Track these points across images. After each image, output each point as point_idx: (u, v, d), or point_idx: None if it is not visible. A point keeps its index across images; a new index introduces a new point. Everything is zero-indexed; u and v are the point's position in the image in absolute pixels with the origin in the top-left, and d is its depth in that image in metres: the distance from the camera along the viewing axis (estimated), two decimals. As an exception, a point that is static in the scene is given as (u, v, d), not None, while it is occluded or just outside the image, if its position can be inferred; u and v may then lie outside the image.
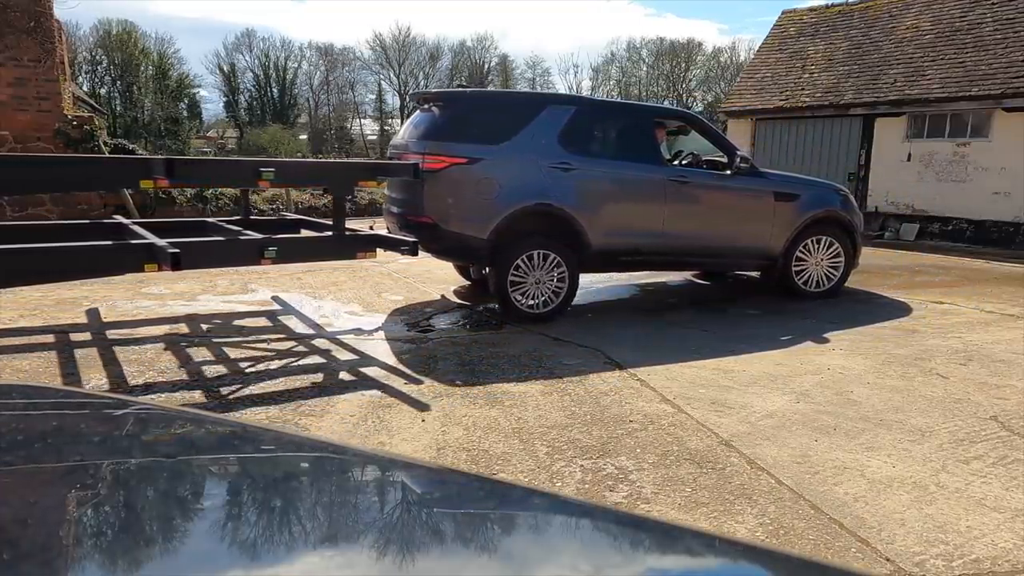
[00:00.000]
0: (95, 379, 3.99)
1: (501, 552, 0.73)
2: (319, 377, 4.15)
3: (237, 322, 5.36)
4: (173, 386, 3.91)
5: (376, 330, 5.28)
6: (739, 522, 2.60)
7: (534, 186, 5.46)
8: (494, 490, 0.95)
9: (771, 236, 6.35)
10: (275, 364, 4.38)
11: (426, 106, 5.83)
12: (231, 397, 3.78)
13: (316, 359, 4.50)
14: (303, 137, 46.49)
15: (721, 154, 6.45)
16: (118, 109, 42.47)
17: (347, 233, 5.07)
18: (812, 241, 6.52)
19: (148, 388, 3.87)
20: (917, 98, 12.24)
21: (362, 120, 52.24)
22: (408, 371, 4.30)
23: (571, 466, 3.03)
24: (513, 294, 5.45)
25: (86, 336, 4.82)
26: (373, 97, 51.68)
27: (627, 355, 4.69)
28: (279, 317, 5.56)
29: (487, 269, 5.78)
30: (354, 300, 6.25)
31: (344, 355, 4.61)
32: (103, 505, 0.78)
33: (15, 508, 0.75)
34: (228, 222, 5.46)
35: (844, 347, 5.02)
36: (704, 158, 6.72)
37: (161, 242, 4.11)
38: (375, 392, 3.90)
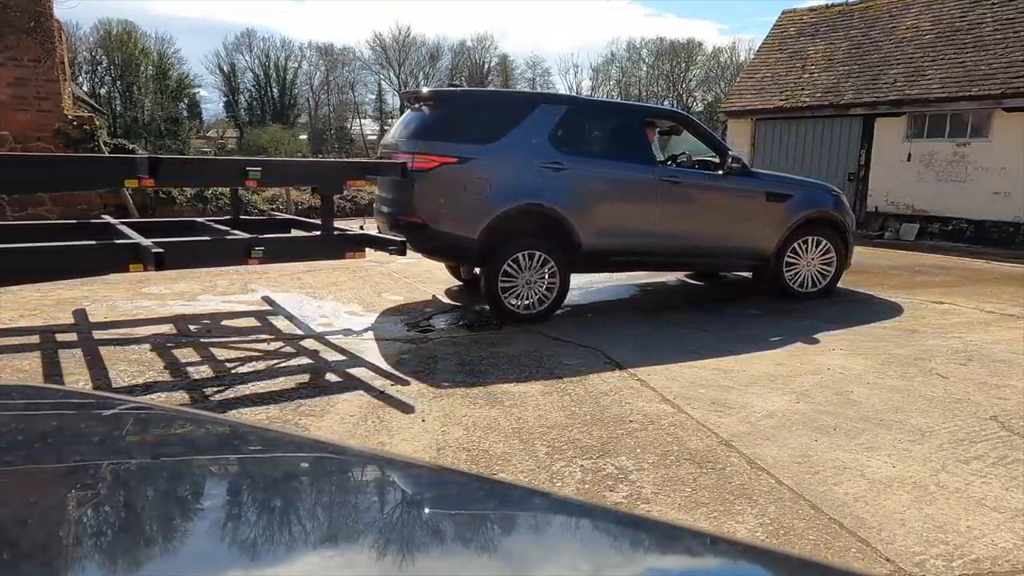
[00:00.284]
0: (95, 379, 3.99)
1: (501, 552, 0.73)
2: (318, 378, 4.15)
3: (237, 322, 5.36)
4: (173, 386, 3.91)
5: (376, 331, 5.28)
6: (739, 522, 2.60)
7: (525, 186, 5.43)
8: (494, 490, 0.95)
9: (763, 236, 6.35)
10: (273, 364, 4.37)
11: (416, 105, 5.78)
12: (230, 397, 3.77)
13: (315, 360, 4.50)
14: (303, 137, 46.50)
15: (713, 154, 6.45)
16: (118, 109, 42.48)
17: (335, 233, 5.03)
18: (804, 241, 6.52)
19: (148, 388, 3.87)
20: (917, 98, 12.24)
21: (362, 120, 52.28)
22: (408, 371, 4.30)
23: (571, 466, 3.03)
24: (504, 295, 5.43)
25: (86, 336, 4.82)
26: (373, 97, 51.74)
27: (627, 355, 4.69)
28: (279, 317, 5.56)
29: (478, 269, 5.75)
30: (354, 300, 6.25)
31: (343, 356, 4.60)
32: (103, 505, 0.78)
33: (15, 508, 0.75)
34: (218, 222, 5.43)
35: (844, 347, 5.02)
36: (696, 158, 6.72)
37: (146, 242, 4.08)
38: (375, 392, 3.90)
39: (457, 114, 5.51)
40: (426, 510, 0.84)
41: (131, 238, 4.34)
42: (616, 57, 52.38)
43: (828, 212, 6.60)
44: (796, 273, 6.58)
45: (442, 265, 7.17)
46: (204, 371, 4.19)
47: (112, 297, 5.99)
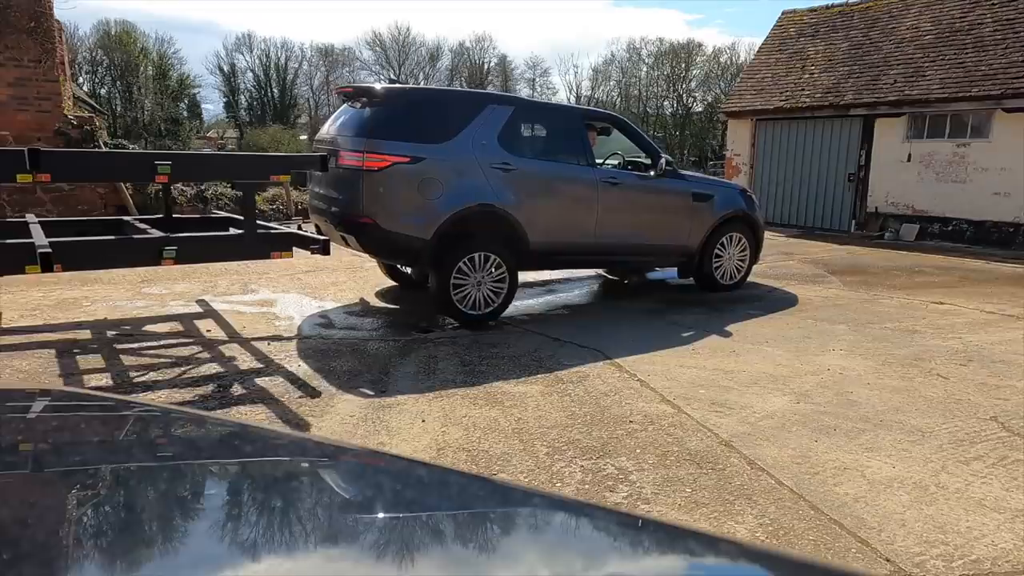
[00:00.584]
0: (95, 379, 3.99)
1: (501, 552, 0.73)
2: (318, 377, 4.15)
3: (236, 322, 5.36)
4: (174, 385, 3.91)
5: (377, 330, 5.28)
6: (739, 522, 2.60)
7: (477, 186, 5.39)
8: (494, 490, 0.95)
9: (691, 234, 6.71)
10: (272, 363, 4.37)
11: (360, 101, 5.62)
12: (230, 396, 3.77)
13: (315, 360, 4.50)
14: (303, 138, 46.50)
15: (643, 155, 6.73)
16: (118, 109, 42.48)
17: (259, 232, 4.88)
18: (727, 238, 6.96)
19: (148, 388, 3.87)
20: (917, 98, 12.24)
21: (362, 120, 52.17)
22: (408, 371, 4.30)
23: (571, 466, 3.03)
24: (455, 296, 5.36)
25: (86, 336, 4.82)
26: (373, 97, 51.61)
27: (627, 355, 4.69)
28: (278, 317, 5.56)
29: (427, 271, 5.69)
30: (354, 300, 6.25)
31: (343, 356, 4.60)
32: (103, 505, 0.78)
33: (15, 508, 0.75)
34: (146, 220, 5.32)
35: (844, 347, 5.03)
36: (628, 159, 6.96)
37: (41, 241, 3.93)
38: (375, 392, 3.90)
39: (408, 112, 5.38)
40: (426, 510, 0.84)
41: (30, 238, 4.12)
42: (616, 57, 52.45)
43: (744, 211, 7.09)
44: (720, 267, 7.01)
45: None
46: (202, 371, 4.19)
47: (112, 297, 5.99)
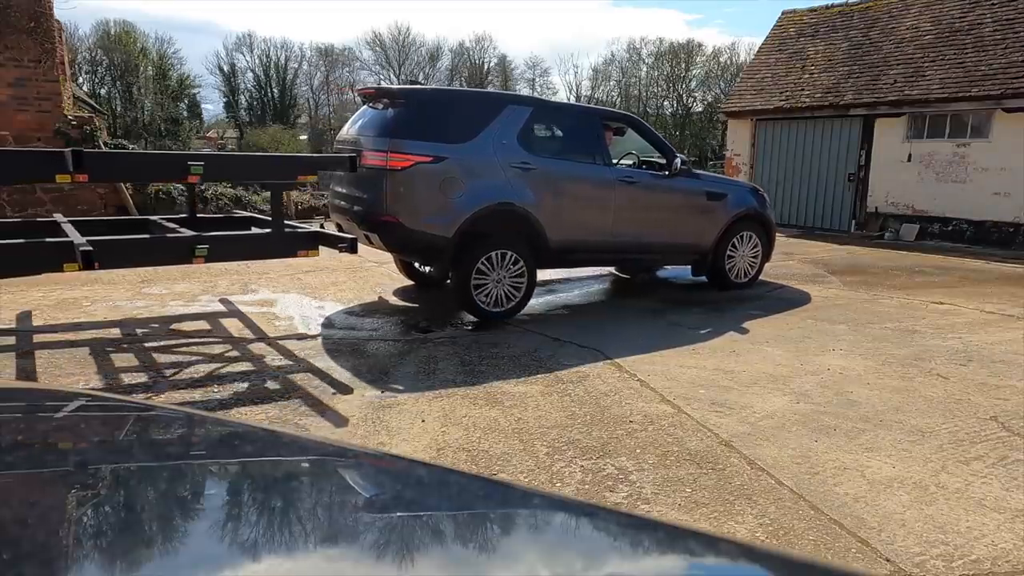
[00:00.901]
0: (94, 379, 3.99)
1: (501, 552, 0.73)
2: (319, 378, 4.15)
3: (237, 322, 5.36)
4: (174, 386, 3.91)
5: (376, 331, 5.28)
6: (739, 523, 2.60)
7: (498, 185, 5.48)
8: (494, 490, 0.95)
9: (704, 232, 6.79)
10: (273, 364, 4.37)
11: (383, 102, 5.73)
12: (230, 396, 3.77)
13: (316, 360, 4.50)
14: (303, 137, 46.49)
15: (657, 155, 6.79)
16: (118, 109, 42.48)
17: (287, 231, 4.94)
18: (739, 237, 7.04)
19: (148, 388, 3.87)
20: (917, 98, 12.24)
21: (362, 120, 52.17)
22: (408, 371, 4.30)
23: (571, 466, 3.03)
24: (476, 293, 5.44)
25: (86, 336, 4.82)
26: (373, 97, 51.61)
27: (627, 355, 4.69)
28: (279, 318, 5.56)
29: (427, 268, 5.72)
30: (354, 300, 6.25)
31: (343, 356, 4.60)
32: (103, 505, 0.78)
33: (15, 508, 0.75)
34: (171, 220, 5.36)
35: (844, 347, 5.03)
36: (643, 158, 7.05)
37: (79, 239, 3.99)
38: (375, 392, 3.90)
39: (430, 113, 5.46)
40: (426, 510, 0.84)
41: (67, 237, 4.20)
42: (616, 57, 52.45)
43: (756, 210, 7.16)
44: (733, 266, 7.08)
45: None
46: (202, 371, 4.19)
47: (112, 297, 5.99)
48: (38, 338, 4.73)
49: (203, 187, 11.68)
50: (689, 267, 7.21)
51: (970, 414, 3.76)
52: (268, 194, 12.66)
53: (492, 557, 0.71)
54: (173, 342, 4.79)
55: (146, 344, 4.70)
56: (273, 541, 0.73)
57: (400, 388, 3.98)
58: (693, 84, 48.85)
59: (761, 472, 3.02)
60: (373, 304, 6.15)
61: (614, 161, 6.52)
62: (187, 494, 0.85)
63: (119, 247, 4.34)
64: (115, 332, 4.95)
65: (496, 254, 5.47)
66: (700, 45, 50.73)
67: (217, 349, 4.65)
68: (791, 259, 9.50)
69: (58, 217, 5.29)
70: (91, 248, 3.81)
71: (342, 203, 5.76)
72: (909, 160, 12.67)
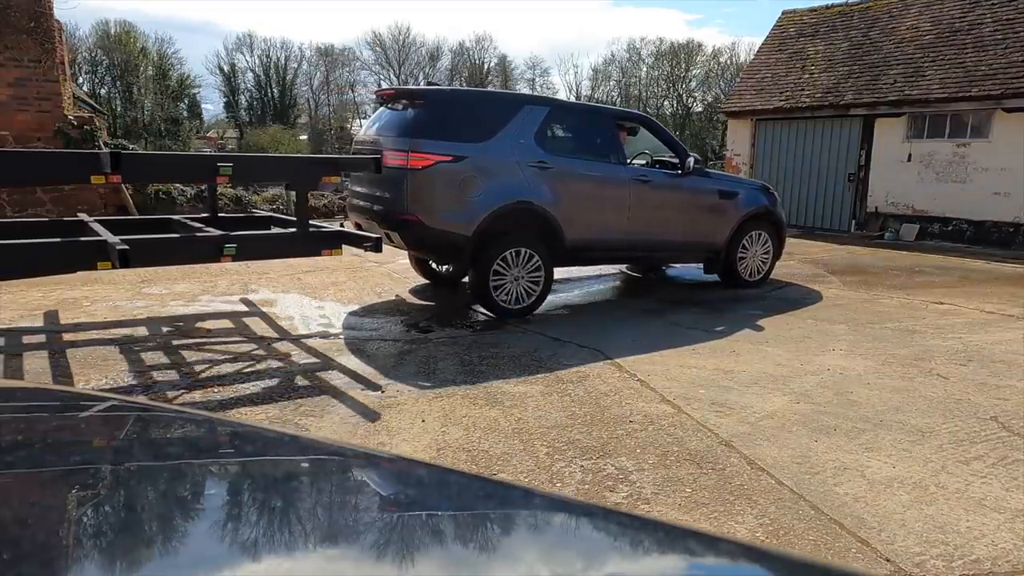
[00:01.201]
0: (95, 379, 3.99)
1: (501, 552, 0.73)
2: (319, 378, 4.15)
3: (237, 323, 5.36)
4: (173, 386, 3.91)
5: (376, 331, 5.28)
6: (739, 522, 2.60)
7: (516, 184, 5.57)
8: (494, 490, 0.95)
9: (717, 230, 6.89)
10: (273, 364, 4.37)
11: (401, 103, 5.81)
12: (230, 397, 3.78)
13: (315, 360, 4.50)
14: (303, 137, 46.51)
15: (670, 154, 6.85)
16: (118, 109, 42.50)
17: (311, 230, 4.99)
18: (750, 236, 7.13)
19: (148, 388, 3.87)
20: (917, 98, 12.24)
21: (362, 120, 52.24)
22: (408, 371, 4.30)
23: (571, 466, 3.03)
24: (494, 291, 5.54)
25: (86, 336, 4.82)
26: (373, 97, 51.71)
27: (627, 355, 4.69)
28: (279, 318, 5.56)
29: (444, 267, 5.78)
30: (354, 301, 6.25)
31: (344, 356, 4.60)
32: (103, 505, 0.78)
33: (15, 508, 0.75)
34: (194, 219, 5.40)
35: (844, 347, 5.03)
36: (656, 158, 7.14)
37: (113, 239, 4.02)
38: (375, 392, 3.90)
39: (449, 113, 5.55)
40: (426, 510, 0.84)
41: (99, 236, 4.26)
42: (616, 57, 52.46)
43: (767, 208, 7.25)
44: (744, 264, 7.18)
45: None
46: (202, 372, 4.19)
47: (113, 297, 5.99)
48: (67, 337, 4.77)
49: (203, 187, 11.70)
50: (693, 266, 7.26)
51: (970, 414, 3.76)
52: (267, 194, 12.79)
53: (492, 557, 0.71)
54: (178, 342, 4.79)
55: (135, 347, 4.70)
56: (273, 541, 0.73)
57: (400, 388, 3.98)
58: (693, 84, 48.90)
59: (761, 472, 3.02)
60: (373, 304, 6.15)
61: (628, 160, 6.59)
62: (187, 494, 0.85)
63: (152, 246, 4.40)
64: (115, 332, 4.95)
65: (514, 252, 5.56)
66: (700, 45, 50.81)
67: (222, 349, 4.65)
68: (791, 259, 9.50)
69: (84, 216, 5.38)
70: (127, 247, 3.87)
71: (361, 202, 5.87)
72: (909, 160, 12.67)
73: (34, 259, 4.01)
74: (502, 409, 3.69)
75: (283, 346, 4.78)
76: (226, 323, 5.33)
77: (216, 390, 3.88)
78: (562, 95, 51.85)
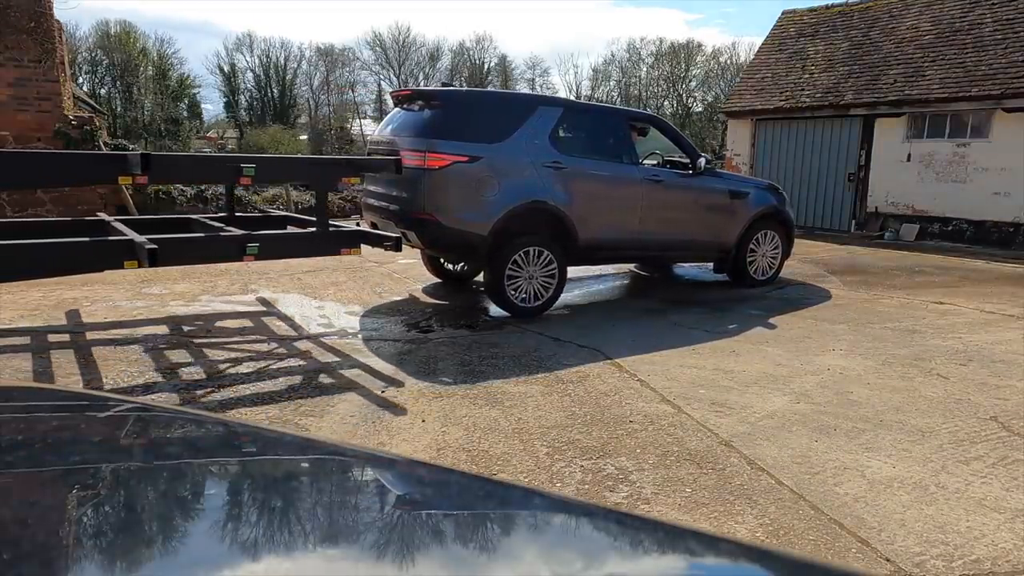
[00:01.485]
0: (95, 379, 3.99)
1: (501, 552, 0.73)
2: (318, 378, 4.15)
3: (237, 323, 5.36)
4: (173, 386, 3.91)
5: (376, 331, 5.28)
6: (739, 522, 2.60)
7: (531, 184, 5.63)
8: (494, 490, 0.95)
9: (727, 230, 6.98)
10: (273, 365, 4.37)
11: (417, 104, 5.88)
12: (230, 397, 3.78)
13: (315, 360, 4.50)
14: (303, 137, 46.50)
15: (681, 154, 6.94)
16: (118, 109, 42.49)
17: (331, 229, 5.04)
18: (761, 234, 7.21)
19: (148, 388, 3.87)
20: (917, 98, 12.24)
21: (362, 120, 52.25)
22: (408, 371, 4.30)
23: (571, 466, 3.03)
24: (509, 289, 5.61)
25: (86, 336, 4.82)
26: (373, 97, 51.76)
27: (627, 355, 4.69)
28: (279, 318, 5.56)
29: (474, 265, 5.90)
30: (354, 301, 6.25)
31: (344, 356, 4.60)
32: (103, 505, 0.78)
33: (15, 508, 0.75)
34: (214, 219, 5.45)
35: (844, 347, 5.03)
36: (666, 158, 7.22)
37: (140, 238, 4.09)
38: (375, 393, 3.90)
39: (465, 114, 5.62)
40: (426, 510, 0.84)
41: (125, 235, 4.33)
42: (616, 57, 52.46)
43: (776, 208, 7.35)
44: (754, 263, 7.26)
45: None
46: (203, 372, 4.19)
47: (113, 297, 5.99)
48: (90, 335, 4.79)
49: (203, 187, 11.70)
50: (696, 265, 7.28)
51: (970, 414, 3.76)
52: (267, 194, 12.79)
53: (492, 557, 0.71)
54: (179, 343, 4.79)
55: (129, 346, 4.69)
56: (273, 541, 0.73)
57: (400, 388, 3.98)
58: (693, 84, 48.88)
59: (761, 472, 3.02)
60: (373, 304, 6.15)
61: (639, 160, 6.65)
62: (187, 494, 0.85)
63: (179, 245, 4.47)
64: (115, 333, 4.95)
65: (528, 251, 5.65)
66: (700, 45, 50.83)
67: (222, 349, 4.65)
68: (792, 259, 9.46)
69: (104, 216, 5.44)
70: (156, 247, 3.92)
71: (376, 202, 5.94)
72: (909, 160, 12.67)
73: (65, 258, 4.08)
74: (502, 409, 3.69)
75: (283, 346, 4.77)
76: (226, 323, 5.33)
77: (216, 391, 3.88)
78: (562, 95, 51.88)
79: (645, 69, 50.44)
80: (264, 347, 4.73)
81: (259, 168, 4.59)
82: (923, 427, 3.56)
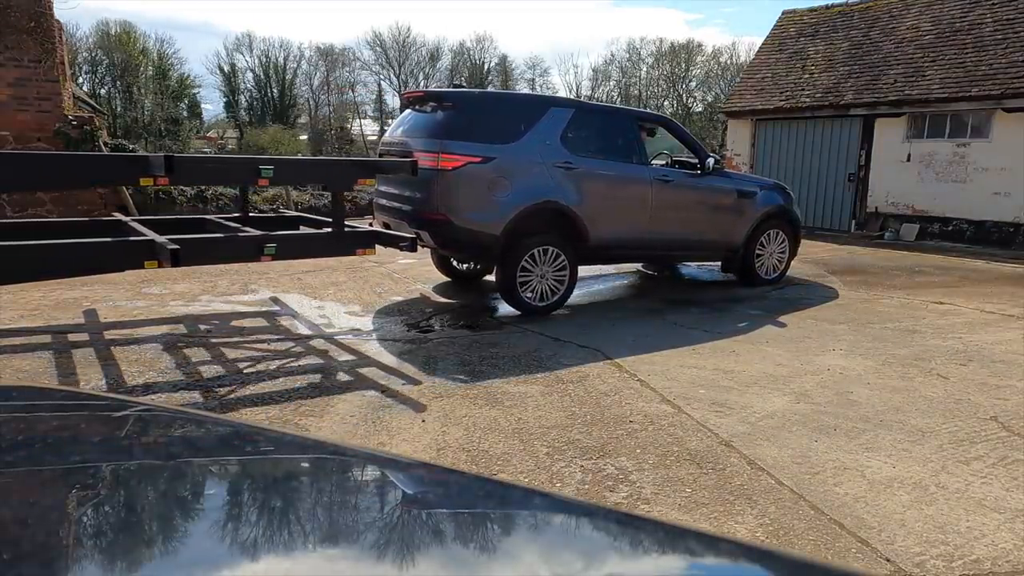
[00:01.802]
0: (95, 379, 3.99)
1: (501, 552, 0.73)
2: (318, 378, 4.15)
3: (237, 322, 5.36)
4: (173, 386, 3.91)
5: (376, 331, 5.29)
6: (739, 522, 2.60)
7: (542, 184, 5.69)
8: (494, 490, 0.95)
9: (736, 229, 7.02)
10: (274, 365, 4.38)
11: (429, 105, 5.93)
12: (231, 397, 3.78)
13: (316, 360, 4.50)
14: (303, 137, 46.51)
15: (688, 154, 7.00)
16: (118, 109, 42.49)
17: (346, 230, 5.09)
18: (767, 234, 7.26)
19: (148, 388, 3.87)
20: (917, 98, 12.24)
21: (362, 120, 52.26)
22: (408, 371, 4.30)
23: (571, 466, 3.03)
24: (521, 289, 5.67)
25: (86, 336, 4.82)
26: (373, 97, 51.77)
27: (627, 355, 4.69)
28: (279, 318, 5.57)
29: (488, 265, 5.97)
30: (355, 301, 6.25)
31: (344, 356, 4.61)
32: (103, 505, 0.78)
33: (16, 508, 0.75)
34: (227, 219, 5.50)
35: (844, 347, 5.03)
36: (674, 158, 7.31)
37: (161, 239, 4.13)
38: (375, 393, 3.90)
39: (477, 115, 5.66)
40: (426, 510, 0.84)
41: (146, 235, 4.38)
42: (616, 57, 52.45)
43: (783, 207, 7.41)
44: (761, 262, 7.31)
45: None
46: (202, 372, 4.19)
47: (113, 297, 5.99)
48: (91, 336, 4.79)
49: (204, 187, 11.69)
50: (698, 265, 7.33)
51: (970, 414, 3.76)
52: (267, 194, 12.80)
53: (492, 557, 0.71)
54: (180, 344, 4.79)
55: (129, 347, 4.70)
56: (273, 541, 0.73)
57: (400, 388, 3.98)
58: (693, 84, 48.91)
59: (761, 472, 3.02)
60: (371, 304, 6.14)
61: (649, 161, 6.69)
62: (187, 494, 0.85)
63: (199, 245, 4.49)
64: (116, 333, 4.95)
65: (540, 251, 5.71)
66: (700, 45, 50.85)
67: (220, 350, 4.65)
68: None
69: (120, 216, 5.48)
70: (178, 247, 3.95)
71: (388, 203, 5.99)
72: (909, 160, 12.67)
73: (88, 258, 4.11)
74: (502, 409, 3.69)
75: (284, 346, 4.77)
76: (226, 323, 5.33)
77: (215, 390, 3.88)
78: (563, 95, 51.88)
79: (645, 69, 50.48)
80: (265, 347, 4.73)
81: (277, 169, 4.64)
82: (923, 427, 3.56)
